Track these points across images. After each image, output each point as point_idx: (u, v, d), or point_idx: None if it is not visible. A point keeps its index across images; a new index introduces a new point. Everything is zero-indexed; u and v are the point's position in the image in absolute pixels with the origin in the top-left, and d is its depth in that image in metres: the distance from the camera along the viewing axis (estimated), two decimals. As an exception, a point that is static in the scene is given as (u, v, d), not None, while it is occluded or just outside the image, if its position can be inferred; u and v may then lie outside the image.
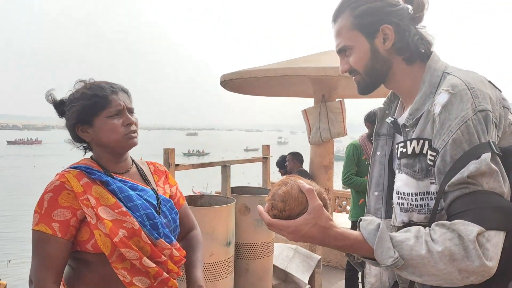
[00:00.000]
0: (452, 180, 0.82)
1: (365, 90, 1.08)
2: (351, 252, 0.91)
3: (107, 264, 1.17)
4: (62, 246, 1.15)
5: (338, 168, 5.35)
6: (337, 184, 7.91)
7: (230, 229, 2.54)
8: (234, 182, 3.12)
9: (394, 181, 1.08)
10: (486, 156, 0.81)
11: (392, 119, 1.09)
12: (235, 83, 4.65)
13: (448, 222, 0.81)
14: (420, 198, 0.92)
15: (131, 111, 1.32)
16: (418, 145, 0.93)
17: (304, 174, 5.02)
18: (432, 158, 0.89)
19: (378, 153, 1.17)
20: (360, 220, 0.92)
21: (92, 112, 1.25)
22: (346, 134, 4.69)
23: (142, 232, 1.20)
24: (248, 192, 3.16)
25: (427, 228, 0.85)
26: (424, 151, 0.92)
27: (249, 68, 4.37)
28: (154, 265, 1.20)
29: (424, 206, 0.92)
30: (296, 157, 5.31)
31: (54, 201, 1.16)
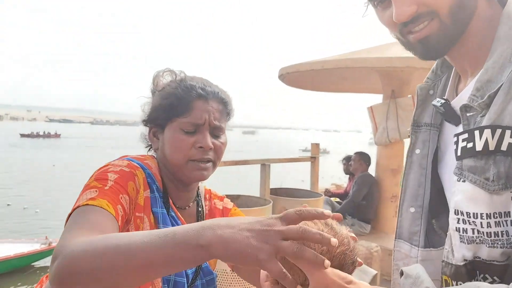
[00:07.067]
0: None
1: (439, 48, 0.70)
2: None
3: None
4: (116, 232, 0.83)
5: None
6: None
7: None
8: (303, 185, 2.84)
9: (439, 194, 0.75)
10: None
11: (443, 101, 0.75)
12: (293, 76, 4.38)
13: None
14: (495, 222, 0.60)
15: (217, 130, 1.00)
16: (493, 137, 0.60)
17: (368, 178, 4.56)
18: None
19: (417, 151, 0.81)
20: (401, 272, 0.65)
21: (165, 115, 0.98)
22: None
23: None
24: (292, 195, 2.88)
25: (499, 286, 0.52)
26: (504, 147, 0.59)
27: (306, 61, 4.07)
28: None
29: (502, 236, 0.60)
30: (363, 157, 4.85)
31: (124, 183, 0.89)
